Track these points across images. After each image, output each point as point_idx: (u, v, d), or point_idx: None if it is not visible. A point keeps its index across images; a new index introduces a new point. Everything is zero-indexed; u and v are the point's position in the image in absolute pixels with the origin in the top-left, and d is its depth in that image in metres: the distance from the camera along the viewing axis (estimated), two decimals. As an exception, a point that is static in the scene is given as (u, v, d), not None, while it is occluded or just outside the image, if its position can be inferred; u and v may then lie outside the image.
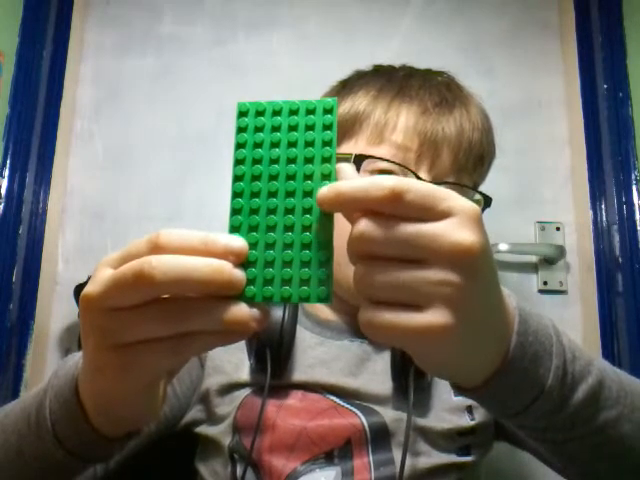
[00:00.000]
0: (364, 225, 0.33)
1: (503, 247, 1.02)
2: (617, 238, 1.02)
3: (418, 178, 0.65)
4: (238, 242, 0.34)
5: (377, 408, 0.63)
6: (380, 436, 0.62)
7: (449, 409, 0.65)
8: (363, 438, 0.61)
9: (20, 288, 0.99)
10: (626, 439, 0.46)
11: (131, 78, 1.13)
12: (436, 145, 0.67)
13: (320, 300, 0.34)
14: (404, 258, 0.33)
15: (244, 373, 0.66)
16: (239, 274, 0.33)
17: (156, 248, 0.33)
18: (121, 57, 1.14)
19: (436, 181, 0.66)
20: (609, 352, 1.00)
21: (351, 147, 0.69)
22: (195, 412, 0.67)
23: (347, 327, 0.71)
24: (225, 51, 1.14)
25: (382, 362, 0.66)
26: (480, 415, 0.65)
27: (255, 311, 0.34)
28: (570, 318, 1.05)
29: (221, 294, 0.33)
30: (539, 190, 1.10)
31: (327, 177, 0.35)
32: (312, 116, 0.37)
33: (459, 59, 1.12)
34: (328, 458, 0.61)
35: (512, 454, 0.94)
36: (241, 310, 0.33)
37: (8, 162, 0.99)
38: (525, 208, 1.08)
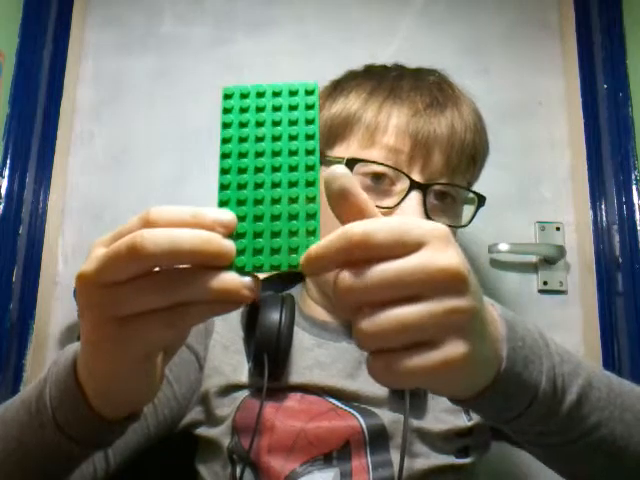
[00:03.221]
0: (346, 279, 0.33)
1: (503, 247, 1.02)
2: (617, 238, 1.02)
3: (411, 180, 0.66)
4: (227, 215, 0.35)
5: (375, 410, 0.64)
6: (378, 438, 0.62)
7: (446, 410, 0.65)
8: (361, 440, 0.62)
9: (20, 288, 0.99)
10: (619, 440, 0.46)
11: (131, 78, 1.13)
12: (428, 146, 0.66)
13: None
14: (399, 298, 0.33)
15: (243, 375, 0.66)
16: (229, 244, 0.34)
17: (147, 224, 0.34)
18: (121, 57, 1.14)
19: (429, 182, 0.66)
20: (609, 352, 1.00)
21: (343, 150, 0.69)
22: (195, 413, 0.67)
23: (344, 329, 0.71)
24: (225, 51, 1.14)
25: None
26: (477, 415, 0.65)
27: (247, 279, 0.34)
28: (570, 318, 1.05)
29: (212, 264, 0.34)
30: (539, 190, 1.10)
31: (311, 153, 0.37)
32: (295, 97, 0.38)
33: (458, 59, 1.12)
34: (327, 459, 0.61)
35: (511, 454, 0.95)
36: (232, 278, 0.34)
37: (8, 162, 0.99)
38: (525, 208, 1.08)
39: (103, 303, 0.35)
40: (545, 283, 1.05)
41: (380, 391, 0.65)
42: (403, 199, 0.65)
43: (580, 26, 1.12)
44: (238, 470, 0.62)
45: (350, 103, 0.70)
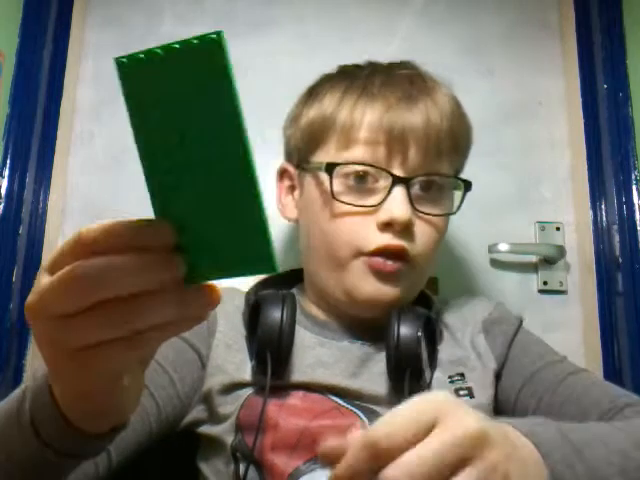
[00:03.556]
0: None
1: (503, 247, 1.02)
2: (617, 238, 1.02)
3: (392, 175, 0.66)
4: (164, 226, 0.31)
5: (378, 409, 0.64)
6: None
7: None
8: None
9: (20, 288, 0.99)
10: None
11: (131, 78, 1.13)
12: (404, 139, 0.67)
13: (266, 269, 0.31)
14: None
15: (246, 374, 0.66)
16: (175, 260, 0.31)
17: (81, 247, 0.31)
18: (121, 57, 1.14)
19: (411, 175, 0.67)
20: (609, 352, 1.00)
21: (324, 155, 0.70)
22: (197, 412, 0.67)
23: (345, 329, 0.71)
24: (225, 51, 1.14)
25: (382, 364, 0.67)
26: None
27: (203, 292, 0.32)
28: (570, 318, 1.05)
29: (162, 284, 0.31)
30: (539, 190, 1.10)
31: (236, 131, 0.29)
32: (199, 58, 0.29)
33: (458, 59, 1.12)
34: None
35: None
36: (187, 296, 0.32)
37: (8, 162, 0.99)
38: (525, 208, 1.08)
39: (55, 336, 0.32)
40: (545, 283, 1.05)
41: (382, 390, 0.65)
42: (387, 196, 0.66)
43: (580, 26, 1.12)
44: (241, 468, 0.62)
45: (325, 106, 0.71)
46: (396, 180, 0.66)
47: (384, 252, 0.66)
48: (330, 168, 0.67)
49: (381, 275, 0.66)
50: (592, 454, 0.46)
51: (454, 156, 0.72)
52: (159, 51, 0.29)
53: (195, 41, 0.28)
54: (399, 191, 0.66)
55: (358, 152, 0.67)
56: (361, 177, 0.67)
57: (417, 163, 0.67)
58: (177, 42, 0.29)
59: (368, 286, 0.67)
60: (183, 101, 0.30)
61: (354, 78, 0.72)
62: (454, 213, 0.73)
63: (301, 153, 0.73)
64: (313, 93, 0.75)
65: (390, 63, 0.76)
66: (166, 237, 0.31)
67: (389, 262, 0.66)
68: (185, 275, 0.32)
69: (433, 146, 0.68)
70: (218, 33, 0.28)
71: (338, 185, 0.68)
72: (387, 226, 0.66)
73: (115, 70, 0.30)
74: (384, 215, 0.66)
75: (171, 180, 0.31)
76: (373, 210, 0.66)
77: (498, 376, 0.71)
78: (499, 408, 0.70)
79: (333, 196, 0.67)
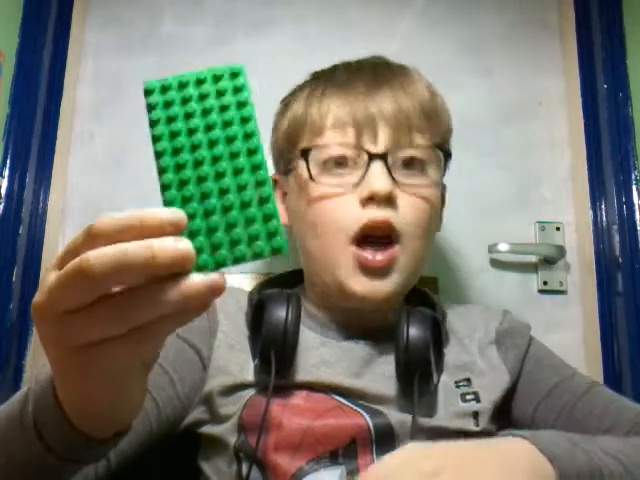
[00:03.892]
0: None
1: (503, 247, 1.02)
2: (617, 238, 1.02)
3: (368, 153, 0.67)
4: (175, 213, 0.32)
5: (382, 409, 0.64)
6: (385, 437, 0.62)
7: (455, 413, 0.65)
8: (368, 438, 0.62)
9: (20, 288, 0.99)
10: None
11: (131, 78, 1.13)
12: (374, 122, 0.68)
13: (274, 252, 0.34)
14: None
15: (249, 374, 0.66)
16: (185, 246, 0.31)
17: (92, 239, 0.31)
18: (121, 57, 1.14)
19: (387, 151, 0.67)
20: (609, 352, 1.00)
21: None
22: (197, 413, 0.67)
23: (348, 329, 0.71)
24: (225, 51, 1.14)
25: (385, 364, 0.67)
26: (485, 422, 0.65)
27: (210, 278, 0.32)
28: (570, 318, 1.05)
29: (173, 272, 0.31)
30: (539, 190, 1.10)
31: (251, 135, 0.36)
32: (221, 82, 0.36)
33: (459, 59, 1.12)
34: (333, 457, 0.61)
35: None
36: (193, 284, 0.31)
37: (8, 162, 0.99)
38: (525, 208, 1.08)
39: (60, 334, 0.33)
40: (545, 283, 1.05)
41: (386, 390, 0.65)
42: (366, 172, 0.66)
43: (580, 26, 1.12)
44: (244, 468, 0.61)
45: (295, 109, 0.73)
46: (373, 156, 0.66)
47: (371, 233, 0.66)
48: (305, 153, 0.68)
49: (369, 271, 0.66)
50: (591, 448, 0.49)
51: (429, 131, 0.71)
52: (188, 77, 0.36)
53: (223, 70, 0.37)
54: (377, 165, 0.66)
55: (329, 137, 0.69)
56: (340, 163, 0.68)
57: (390, 140, 0.68)
58: (206, 70, 0.36)
59: (358, 285, 0.67)
60: (205, 120, 0.36)
61: (318, 77, 0.75)
62: (437, 183, 0.71)
63: (284, 158, 0.75)
64: (284, 102, 0.78)
65: (357, 60, 0.78)
66: (178, 226, 0.32)
67: (378, 255, 0.66)
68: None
69: (404, 123, 0.69)
70: (240, 66, 0.37)
71: (317, 171, 0.68)
72: (369, 200, 0.66)
73: (141, 91, 0.36)
74: (365, 190, 0.66)
75: (184, 176, 0.35)
76: (354, 189, 0.67)
77: (513, 389, 0.70)
78: (515, 421, 0.71)
79: (311, 178, 0.68)
